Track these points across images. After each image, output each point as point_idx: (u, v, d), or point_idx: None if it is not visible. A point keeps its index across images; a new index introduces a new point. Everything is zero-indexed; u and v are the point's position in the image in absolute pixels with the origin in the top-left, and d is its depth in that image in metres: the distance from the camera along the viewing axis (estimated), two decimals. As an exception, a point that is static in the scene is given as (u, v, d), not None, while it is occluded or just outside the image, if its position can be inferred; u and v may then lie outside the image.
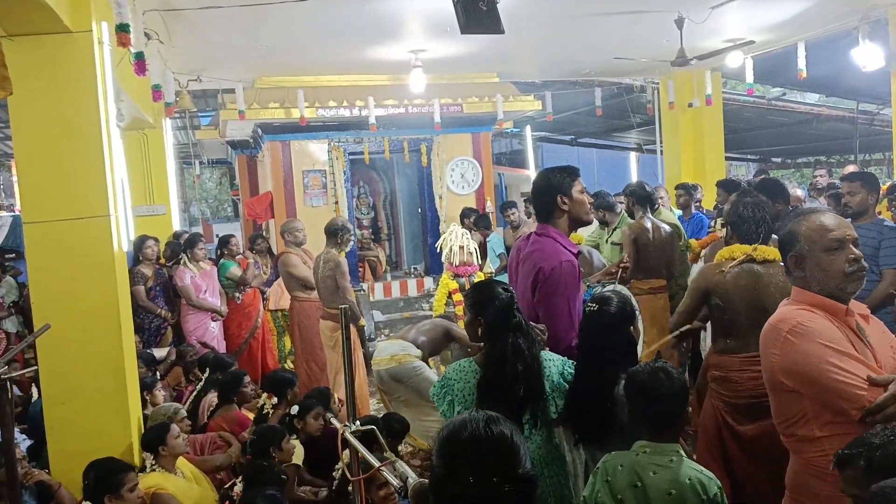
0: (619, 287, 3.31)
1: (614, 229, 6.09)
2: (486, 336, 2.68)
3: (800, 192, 6.37)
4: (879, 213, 4.93)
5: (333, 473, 3.58)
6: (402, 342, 5.13)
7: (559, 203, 3.05)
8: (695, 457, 3.68)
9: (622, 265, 3.60)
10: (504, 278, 4.14)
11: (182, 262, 6.44)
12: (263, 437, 3.78)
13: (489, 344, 2.67)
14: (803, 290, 2.10)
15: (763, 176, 7.31)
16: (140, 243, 6.35)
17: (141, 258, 6.31)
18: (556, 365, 2.74)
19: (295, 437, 4.11)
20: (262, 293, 7.15)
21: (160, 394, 4.67)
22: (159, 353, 5.79)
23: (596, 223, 6.36)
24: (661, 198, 6.68)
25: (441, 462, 1.39)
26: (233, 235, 7.20)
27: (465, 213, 8.56)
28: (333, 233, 5.77)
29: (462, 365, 2.72)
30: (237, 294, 6.72)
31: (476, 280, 6.04)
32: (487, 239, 8.29)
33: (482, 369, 2.66)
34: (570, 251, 2.99)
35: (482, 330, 2.68)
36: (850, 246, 2.06)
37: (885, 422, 1.81)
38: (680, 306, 3.49)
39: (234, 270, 6.71)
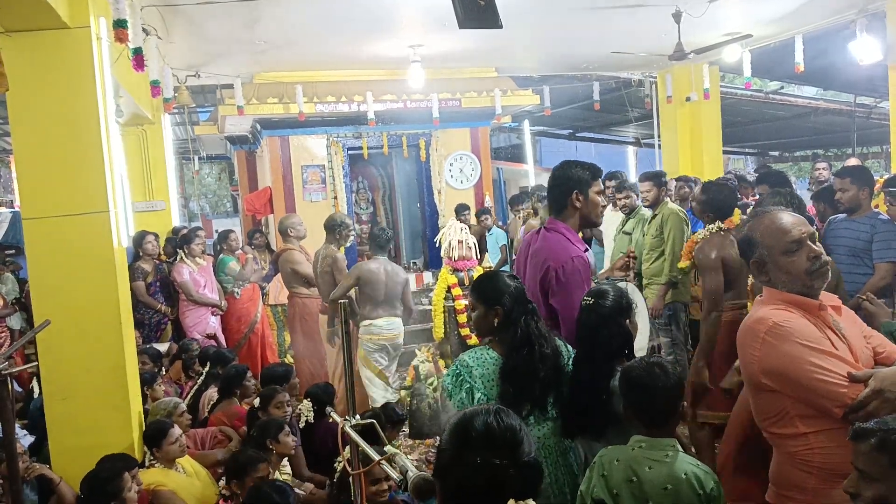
0: (624, 283, 3.26)
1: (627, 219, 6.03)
2: (502, 324, 2.66)
3: (793, 185, 6.36)
4: (876, 206, 4.93)
5: (335, 465, 3.59)
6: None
7: (573, 199, 3.01)
8: (693, 450, 3.69)
9: (630, 256, 3.45)
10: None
11: (179, 257, 6.45)
12: (261, 430, 3.79)
13: (508, 331, 2.65)
14: (773, 289, 2.09)
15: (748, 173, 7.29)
16: (140, 239, 6.36)
17: (141, 254, 6.32)
18: (567, 352, 2.77)
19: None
20: (262, 288, 7.16)
21: (161, 389, 4.69)
22: (160, 348, 5.81)
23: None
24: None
25: (450, 447, 1.46)
26: (232, 231, 7.20)
27: (459, 209, 8.42)
28: (332, 228, 5.78)
29: (478, 352, 2.70)
30: (236, 289, 6.73)
31: (475, 274, 6.04)
32: (489, 233, 8.26)
33: (503, 356, 2.64)
34: (578, 247, 2.97)
35: (499, 320, 2.66)
36: (809, 244, 2.03)
37: (868, 418, 1.78)
38: (709, 284, 3.74)
39: (233, 266, 6.71)
